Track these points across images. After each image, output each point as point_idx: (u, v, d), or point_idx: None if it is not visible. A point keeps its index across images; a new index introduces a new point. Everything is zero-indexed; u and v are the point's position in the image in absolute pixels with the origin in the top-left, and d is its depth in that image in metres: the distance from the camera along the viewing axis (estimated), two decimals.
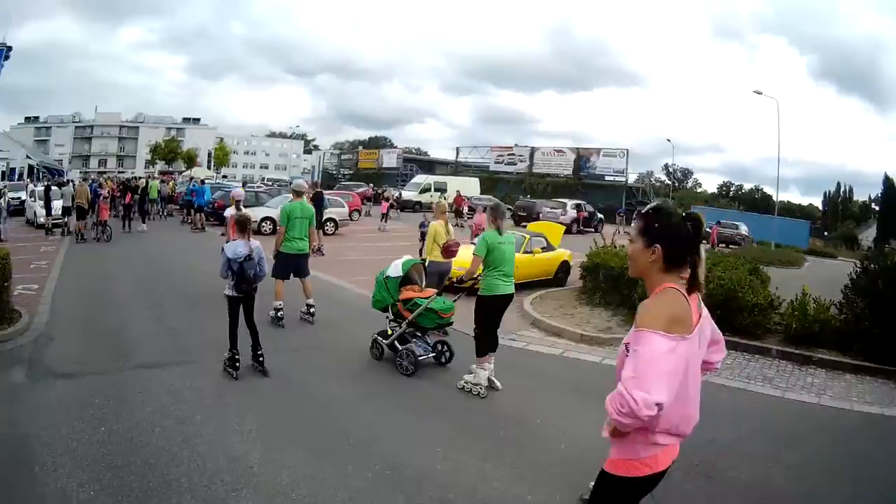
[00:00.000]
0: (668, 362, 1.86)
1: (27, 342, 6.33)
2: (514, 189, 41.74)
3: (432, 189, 33.63)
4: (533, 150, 47.43)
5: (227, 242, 6.68)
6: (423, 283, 6.37)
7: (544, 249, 11.48)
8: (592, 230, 25.43)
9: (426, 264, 7.01)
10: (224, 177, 65.29)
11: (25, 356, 5.84)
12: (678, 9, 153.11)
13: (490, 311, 5.44)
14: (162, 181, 26.67)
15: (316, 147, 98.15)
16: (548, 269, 11.42)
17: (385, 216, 22.62)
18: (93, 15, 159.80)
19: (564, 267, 11.79)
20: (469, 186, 34.46)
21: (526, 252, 10.62)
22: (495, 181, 45.05)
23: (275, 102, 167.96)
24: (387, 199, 24.60)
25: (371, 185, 42.32)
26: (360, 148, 77.79)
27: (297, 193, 8.10)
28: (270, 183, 47.48)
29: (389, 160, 60.25)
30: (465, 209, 25.89)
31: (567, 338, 7.60)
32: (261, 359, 5.63)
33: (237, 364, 5.50)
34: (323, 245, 13.58)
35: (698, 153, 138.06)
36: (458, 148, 54.71)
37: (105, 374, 5.32)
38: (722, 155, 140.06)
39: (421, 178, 37.92)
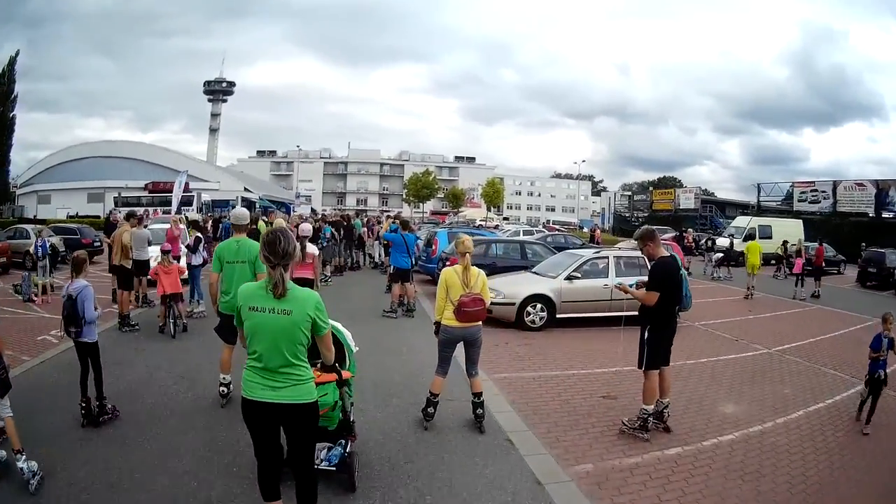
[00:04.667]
0: None
1: None
2: (820, 230, 32.43)
3: (757, 235, 26.53)
4: (835, 185, 39.61)
5: None
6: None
7: None
8: None
9: (437, 330, 5.41)
10: (505, 219, 63.32)
11: None
12: None
13: (248, 425, 3.19)
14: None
15: (604, 189, 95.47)
16: None
17: (799, 279, 16.22)
18: (342, 59, 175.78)
19: None
20: (793, 230, 27.85)
21: None
22: (805, 223, 34.98)
23: (556, 146, 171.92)
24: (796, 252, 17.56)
25: (685, 229, 36.99)
26: (651, 188, 72.05)
27: (238, 228, 5.92)
28: (559, 228, 43.97)
29: (687, 201, 55.28)
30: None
31: None
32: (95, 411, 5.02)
33: (82, 411, 4.99)
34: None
35: None
36: (759, 185, 47.03)
37: None
38: None
39: (742, 221, 31.45)
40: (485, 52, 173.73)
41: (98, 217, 41.17)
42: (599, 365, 7.67)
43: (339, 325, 4.31)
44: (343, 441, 4.10)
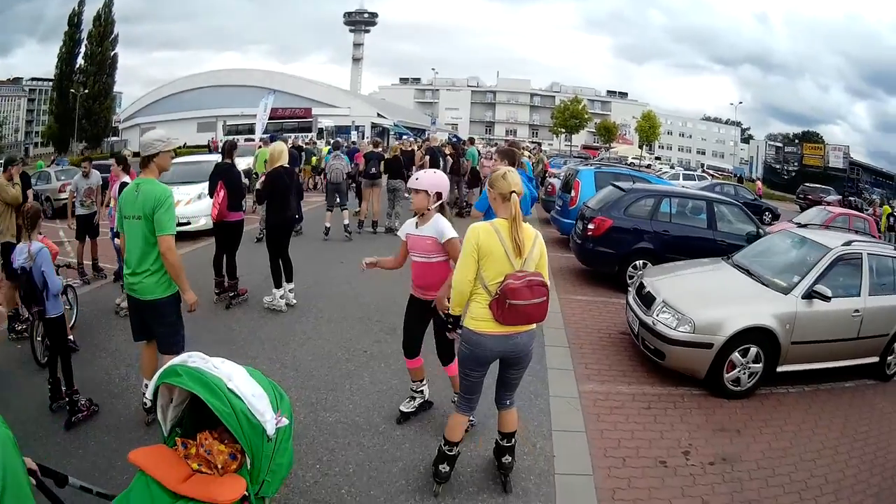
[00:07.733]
0: None
1: None
2: None
3: None
4: None
5: None
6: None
7: None
8: None
9: (452, 326, 3.31)
10: (657, 158, 59.52)
11: None
12: None
13: None
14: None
15: (751, 136, 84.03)
16: None
17: None
18: None
19: None
20: None
21: None
22: None
23: (703, 90, 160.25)
24: None
25: (849, 194, 31.87)
26: (798, 141, 64.27)
27: (146, 162, 3.61)
28: (716, 174, 39.22)
29: (836, 160, 50.41)
30: None
31: None
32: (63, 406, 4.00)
33: (49, 393, 3.99)
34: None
35: None
36: None
37: None
38: None
39: None
40: None
41: (207, 147, 41.36)
42: None
43: (225, 376, 2.01)
44: None
